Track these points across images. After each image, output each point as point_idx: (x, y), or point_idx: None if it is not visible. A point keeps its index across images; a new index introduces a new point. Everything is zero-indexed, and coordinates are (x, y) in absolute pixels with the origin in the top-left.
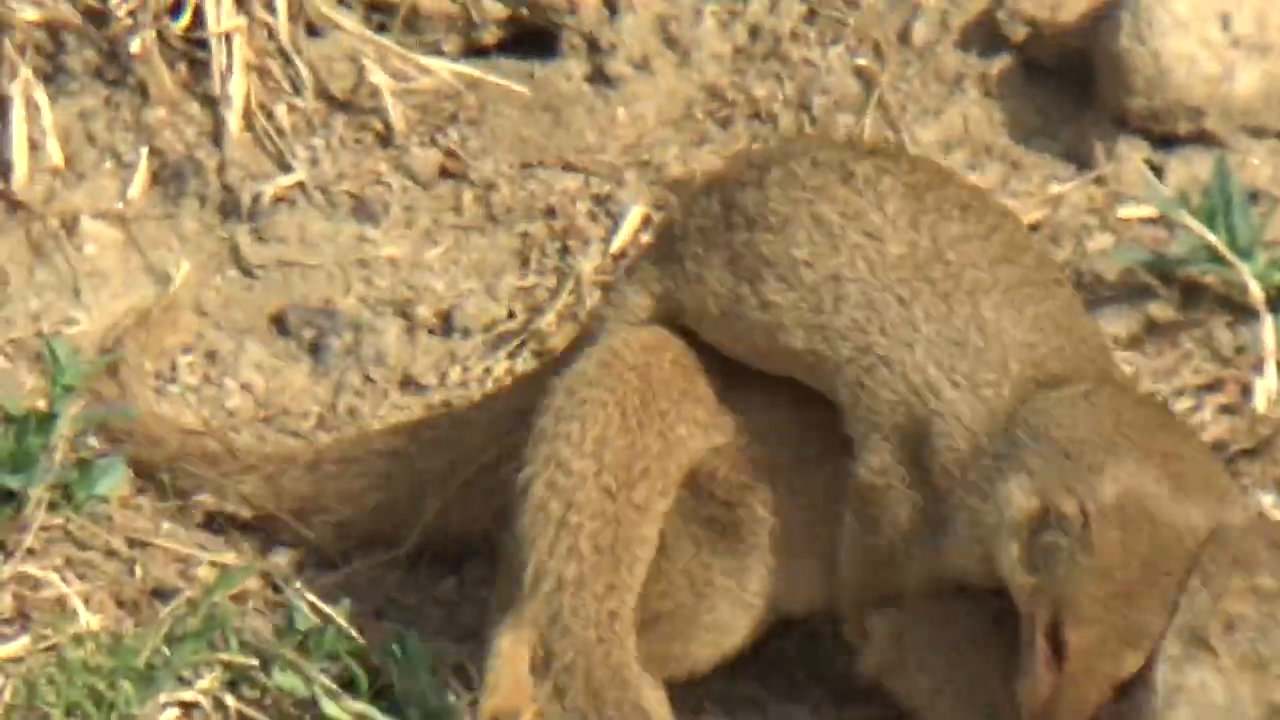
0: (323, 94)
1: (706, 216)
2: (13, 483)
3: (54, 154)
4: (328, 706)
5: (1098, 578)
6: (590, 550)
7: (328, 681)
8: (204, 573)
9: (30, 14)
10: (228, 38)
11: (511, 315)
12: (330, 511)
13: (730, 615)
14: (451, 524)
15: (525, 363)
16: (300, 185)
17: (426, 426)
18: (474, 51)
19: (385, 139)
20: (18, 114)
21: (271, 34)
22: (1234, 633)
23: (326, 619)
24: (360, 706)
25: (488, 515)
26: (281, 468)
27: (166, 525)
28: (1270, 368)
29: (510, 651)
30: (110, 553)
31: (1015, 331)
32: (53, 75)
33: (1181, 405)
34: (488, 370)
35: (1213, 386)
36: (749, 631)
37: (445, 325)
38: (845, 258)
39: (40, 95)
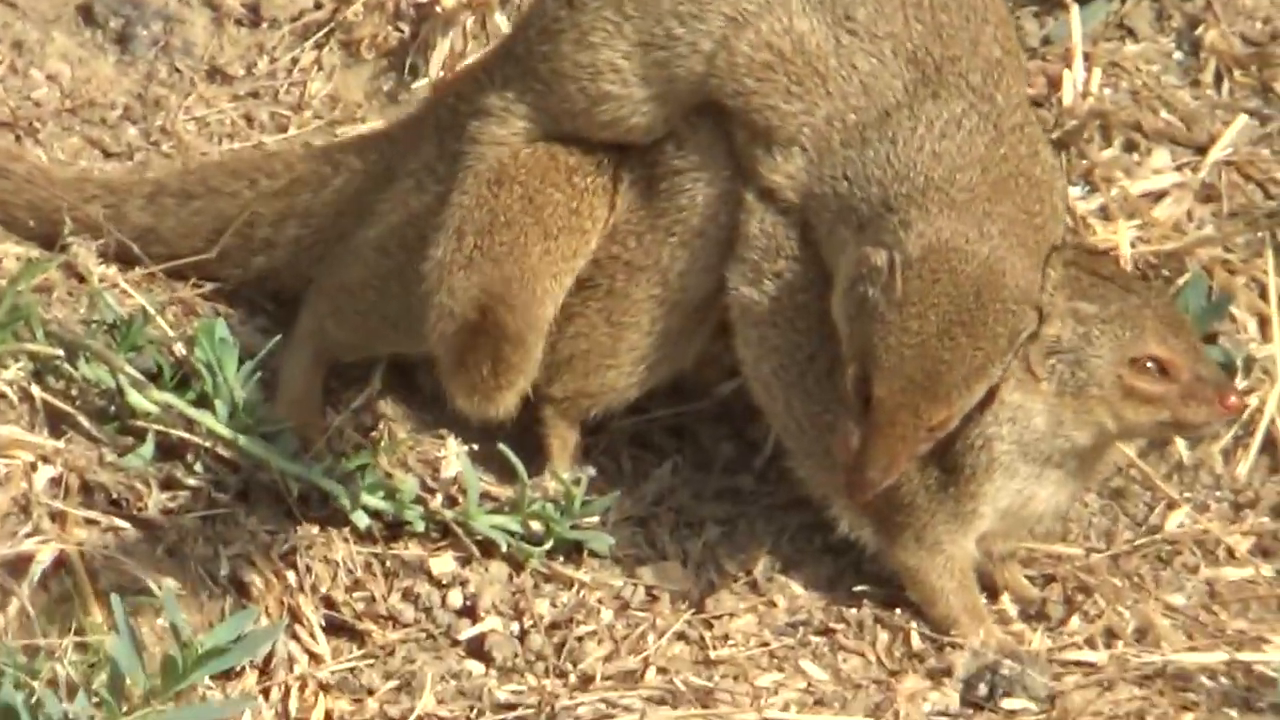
0: None
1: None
2: None
3: None
4: (132, 396)
5: (898, 329)
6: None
7: (133, 371)
8: (7, 265)
9: None
10: None
11: (319, 6)
12: (167, 244)
13: (645, 353)
14: (278, 269)
15: (332, 54)
16: None
17: (263, 173)
18: None
19: None
20: None
21: None
22: (1052, 358)
23: (132, 310)
24: (165, 396)
25: (310, 264)
26: (123, 197)
27: None
28: (1078, 60)
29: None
30: None
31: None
32: None
33: None
34: (295, 60)
35: None
36: (664, 373)
37: (253, 16)
38: None
39: None
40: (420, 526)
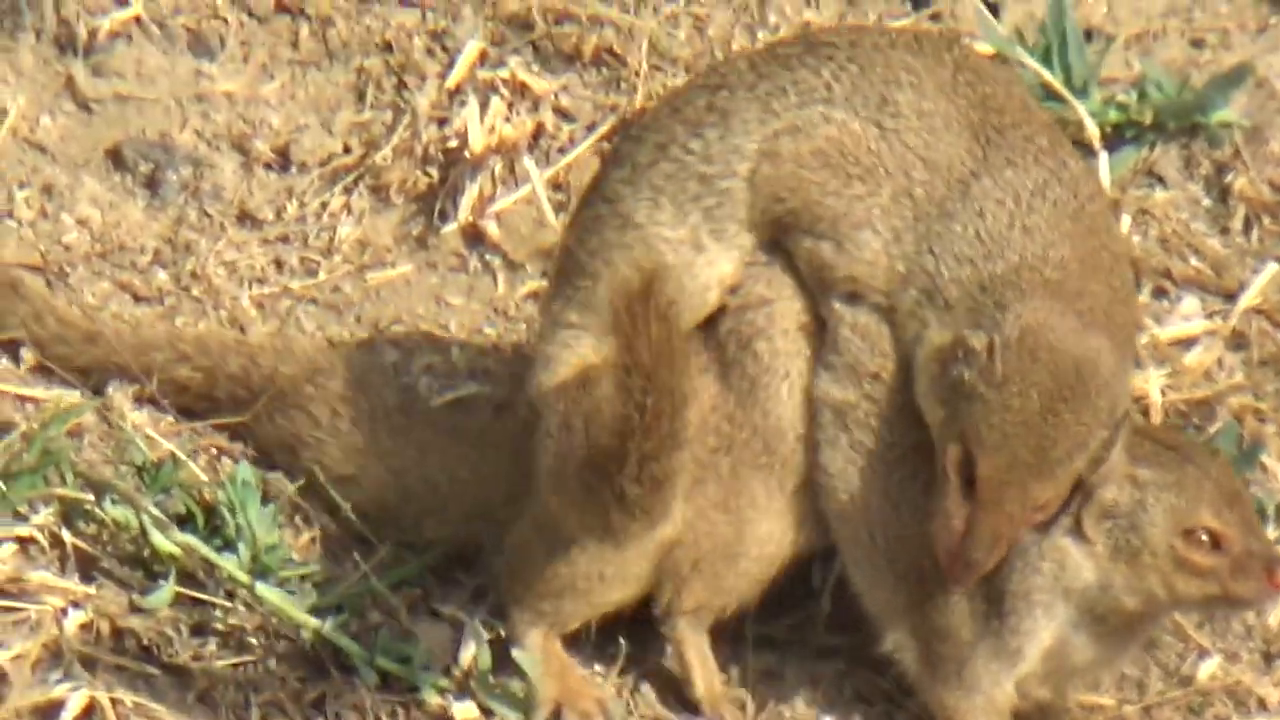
0: None
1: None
2: None
3: None
4: (157, 538)
5: (1001, 407)
6: None
7: (157, 512)
8: (39, 408)
9: None
10: None
11: (348, 150)
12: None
13: (769, 530)
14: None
15: (361, 198)
16: (137, 19)
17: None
18: None
19: None
20: None
21: None
22: (1107, 520)
23: (162, 454)
24: (187, 538)
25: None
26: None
27: (2, 363)
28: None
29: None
30: None
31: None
32: None
33: None
34: (324, 205)
35: None
36: (790, 545)
37: (282, 160)
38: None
39: None
40: (432, 696)
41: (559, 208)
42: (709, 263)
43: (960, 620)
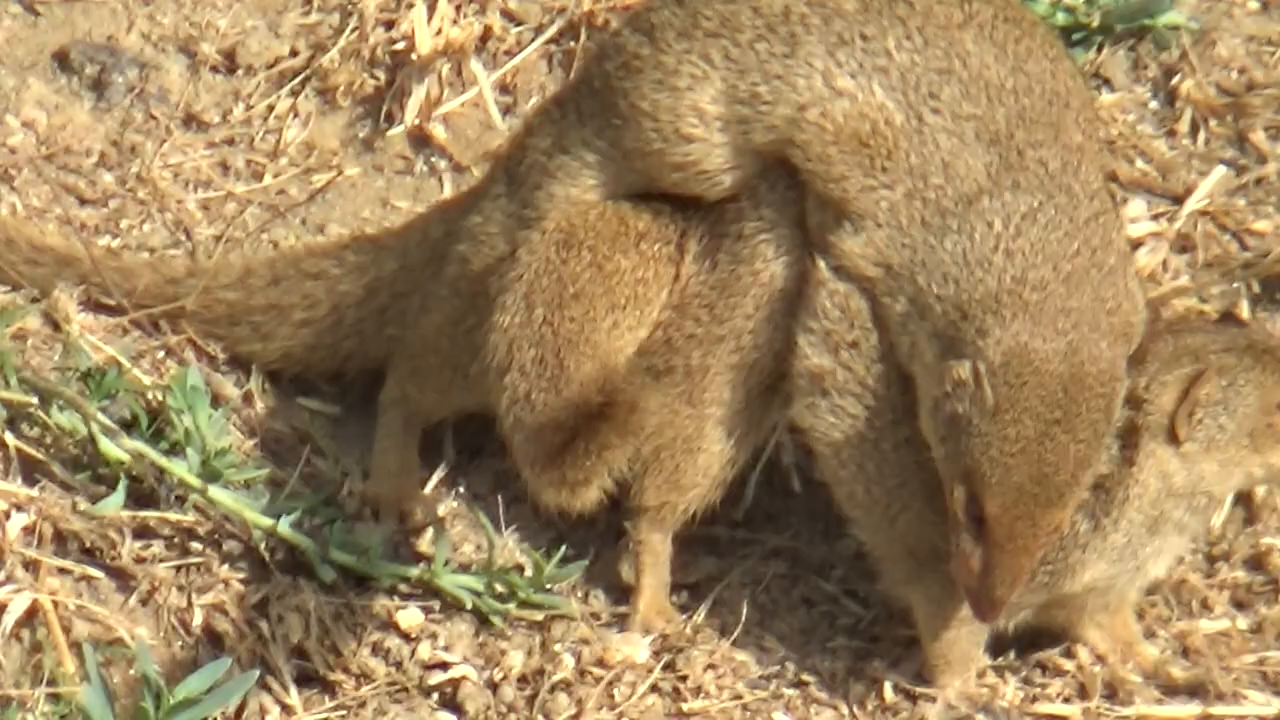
0: None
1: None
2: None
3: None
4: (104, 444)
5: (997, 439)
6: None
7: (105, 419)
8: None
9: None
10: None
11: (294, 53)
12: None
13: (730, 428)
14: (366, 350)
15: (307, 101)
16: None
17: (350, 250)
18: None
19: None
20: None
21: None
22: (1199, 412)
23: (108, 359)
24: (136, 444)
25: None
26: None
27: None
28: None
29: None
30: None
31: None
32: None
33: None
34: (270, 108)
35: None
36: (749, 446)
37: (229, 63)
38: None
39: None
40: (386, 584)
41: (506, 111)
42: (734, 148)
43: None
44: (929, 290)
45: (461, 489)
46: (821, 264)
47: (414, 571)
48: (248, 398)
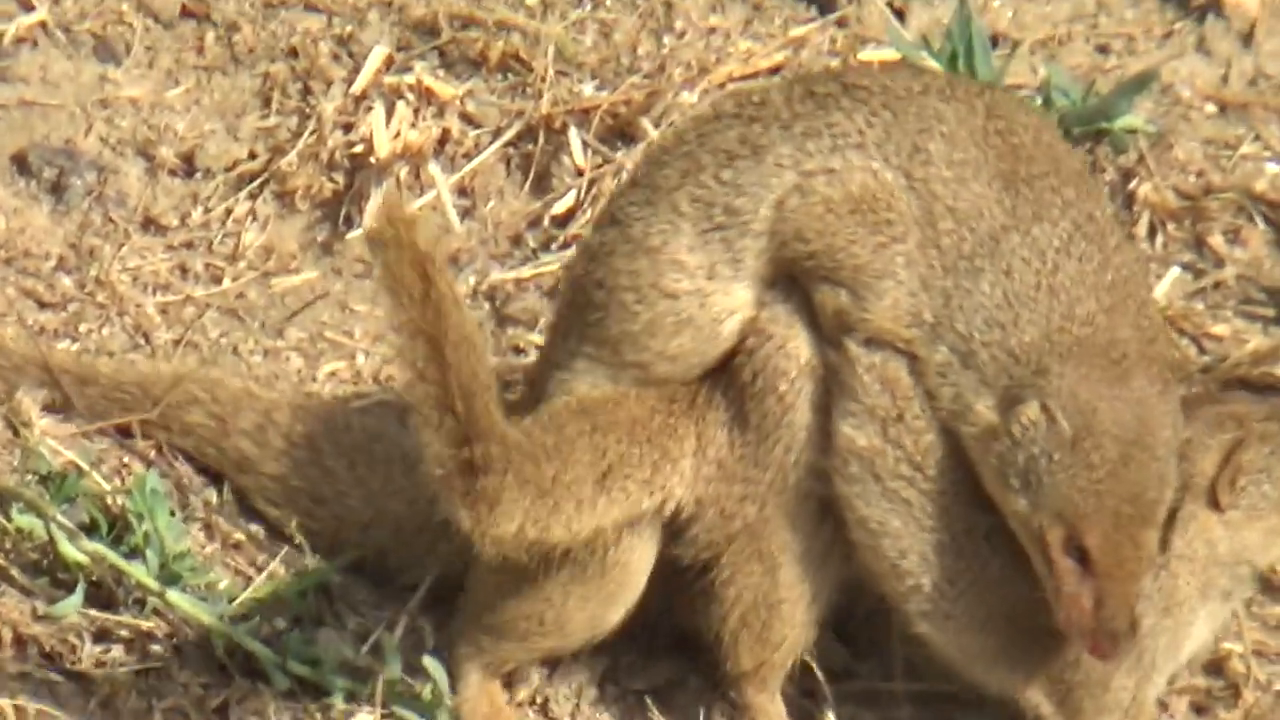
0: None
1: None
2: None
3: None
4: (66, 548)
5: (1085, 467)
6: None
7: (66, 521)
8: None
9: None
10: None
11: (253, 156)
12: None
13: (802, 570)
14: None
15: (266, 204)
16: (42, 24)
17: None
18: None
19: None
20: None
21: None
22: (1242, 479)
23: (67, 463)
24: (96, 547)
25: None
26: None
27: None
28: None
29: None
30: None
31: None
32: None
33: None
34: (229, 211)
35: None
36: (828, 580)
37: (187, 166)
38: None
39: None
40: (340, 697)
41: (464, 213)
42: (723, 291)
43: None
44: (972, 338)
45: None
46: (850, 344)
47: (365, 687)
48: (208, 502)
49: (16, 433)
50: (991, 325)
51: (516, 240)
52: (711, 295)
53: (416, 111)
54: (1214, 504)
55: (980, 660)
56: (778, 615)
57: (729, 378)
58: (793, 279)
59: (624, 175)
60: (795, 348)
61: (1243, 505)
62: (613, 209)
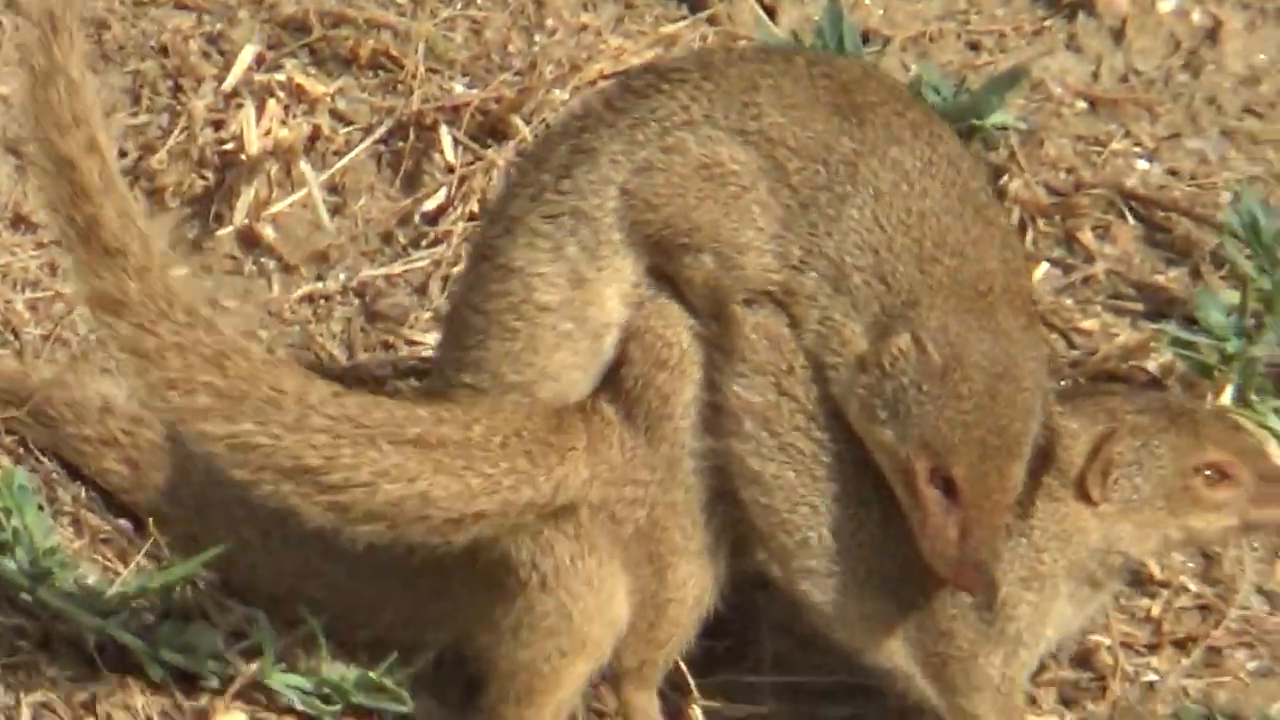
0: None
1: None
2: None
3: None
4: None
5: (952, 399)
6: None
7: None
8: None
9: None
10: None
11: (123, 154)
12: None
13: (688, 570)
14: None
15: (137, 201)
16: None
17: None
18: None
19: None
20: None
21: None
22: (1114, 473)
23: None
24: None
25: None
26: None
27: None
28: None
29: None
30: None
31: None
32: None
33: None
34: None
35: None
36: (711, 580)
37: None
38: None
39: None
40: (215, 683)
41: (335, 211)
42: (595, 300)
43: (953, 619)
44: (844, 262)
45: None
46: (731, 307)
47: (243, 670)
48: (76, 497)
49: None
50: (864, 249)
51: (387, 237)
52: (587, 306)
53: (287, 109)
54: (1083, 496)
55: (859, 625)
56: (665, 615)
57: (615, 385)
58: (661, 276)
59: (495, 173)
60: (672, 335)
61: (1115, 498)
62: (477, 248)
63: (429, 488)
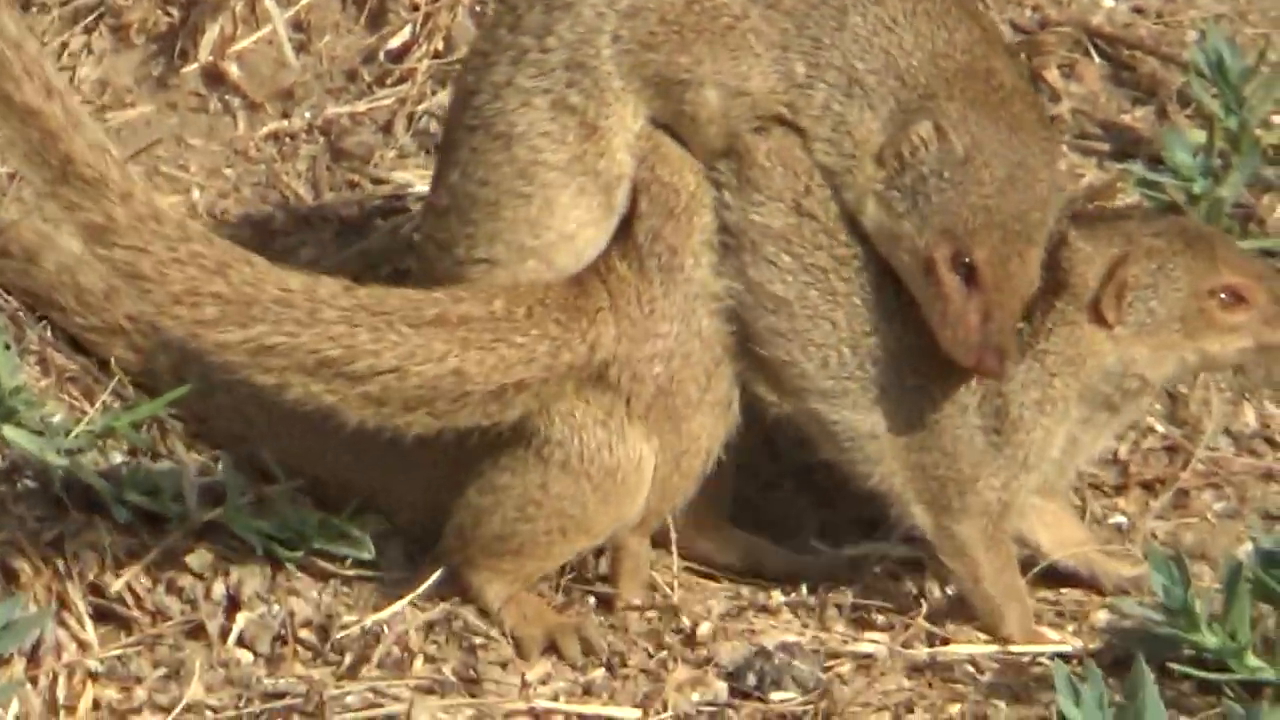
0: None
1: None
2: None
3: None
4: None
5: (974, 184)
6: None
7: None
8: None
9: None
10: None
11: None
12: None
13: (701, 423)
14: None
15: (101, 38)
16: None
17: None
18: None
19: None
20: None
21: None
22: (1128, 297)
23: None
24: None
25: None
26: None
27: None
28: None
29: None
30: None
31: None
32: None
33: None
34: (64, 45)
35: None
36: (721, 434)
37: (22, 0)
38: None
39: None
40: (179, 526)
41: (300, 48)
42: (604, 154)
43: (958, 440)
44: (854, 68)
45: None
46: (743, 137)
47: (207, 514)
48: (42, 336)
49: None
50: (874, 51)
51: (352, 75)
52: (598, 159)
53: None
54: (1098, 319)
55: (866, 443)
56: (678, 469)
57: (626, 241)
58: (660, 128)
59: (460, 10)
60: (678, 181)
61: (1130, 321)
62: (461, 121)
63: (461, 363)
